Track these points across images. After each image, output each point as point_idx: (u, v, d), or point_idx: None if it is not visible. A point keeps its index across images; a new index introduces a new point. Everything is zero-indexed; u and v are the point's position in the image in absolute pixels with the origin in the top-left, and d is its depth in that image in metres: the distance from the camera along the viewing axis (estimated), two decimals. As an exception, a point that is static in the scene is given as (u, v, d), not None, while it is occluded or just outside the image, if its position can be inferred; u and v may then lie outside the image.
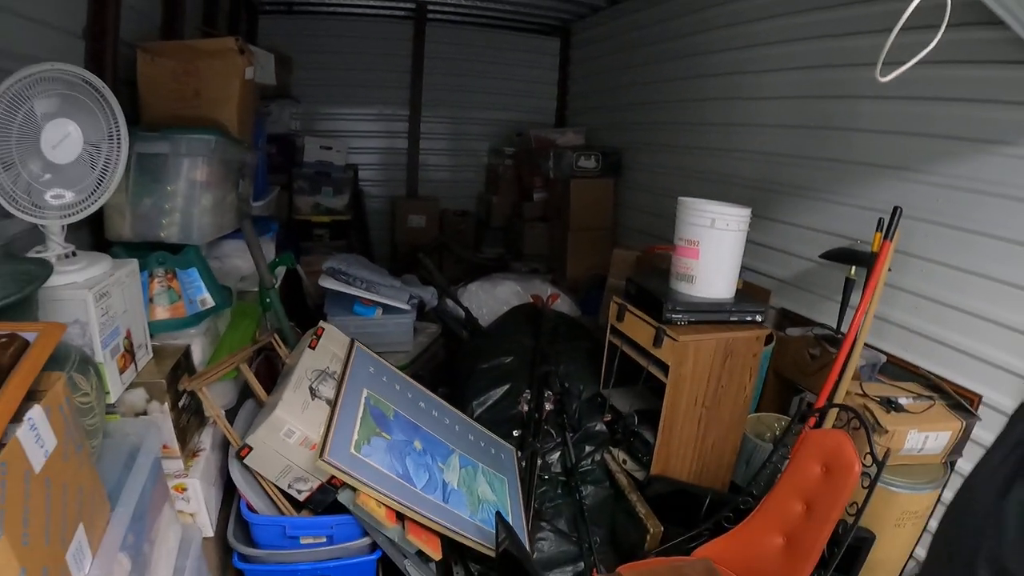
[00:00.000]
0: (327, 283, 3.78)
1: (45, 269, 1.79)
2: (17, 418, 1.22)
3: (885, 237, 2.85)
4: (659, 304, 2.97)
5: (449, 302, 4.61)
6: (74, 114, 1.96)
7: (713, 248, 3.01)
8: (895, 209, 2.82)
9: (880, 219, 2.90)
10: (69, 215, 1.99)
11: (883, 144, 3.28)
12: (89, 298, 1.87)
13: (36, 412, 1.26)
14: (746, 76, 4.27)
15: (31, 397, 1.28)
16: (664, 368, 2.96)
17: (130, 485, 1.70)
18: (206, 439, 2.47)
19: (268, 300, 3.07)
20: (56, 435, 1.31)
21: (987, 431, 2.76)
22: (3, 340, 1.33)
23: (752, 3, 4.18)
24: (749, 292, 3.69)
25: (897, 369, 3.18)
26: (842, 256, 3.20)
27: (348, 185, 6.30)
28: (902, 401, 2.84)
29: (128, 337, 2.10)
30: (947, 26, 1.89)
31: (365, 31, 7.07)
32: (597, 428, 3.39)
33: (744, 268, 3.82)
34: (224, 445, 2.53)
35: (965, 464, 2.85)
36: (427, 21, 7.23)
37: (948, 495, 2.88)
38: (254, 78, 3.30)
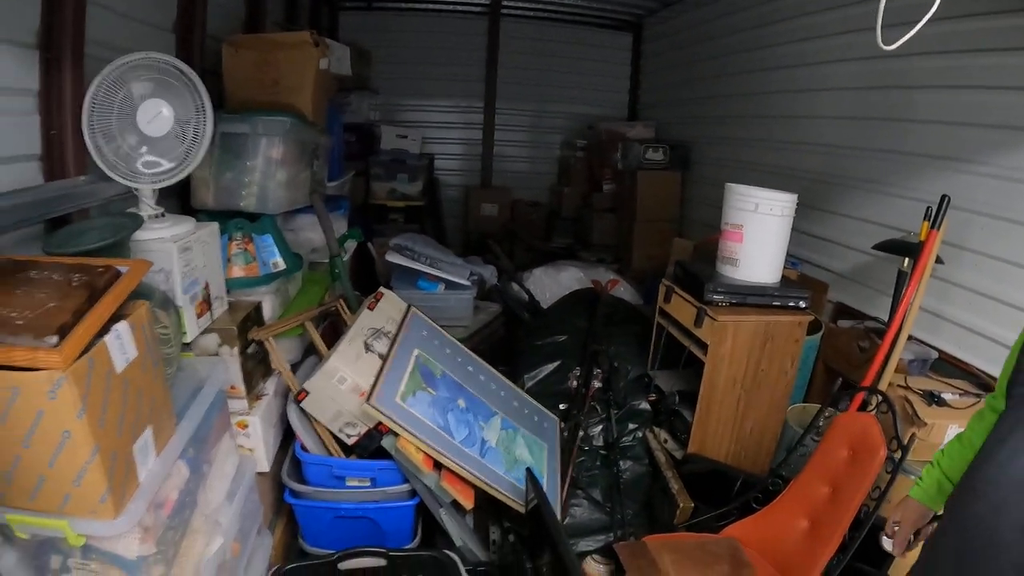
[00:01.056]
0: (393, 258, 4.00)
1: (136, 221, 2.08)
2: (108, 330, 1.50)
3: (932, 226, 2.79)
4: (701, 285, 3.10)
5: (514, 286, 4.82)
6: (165, 95, 2.25)
7: (757, 232, 3.12)
8: (942, 198, 2.76)
9: (928, 208, 2.84)
10: (159, 181, 2.28)
11: (939, 134, 3.25)
12: (173, 250, 2.15)
13: (122, 326, 1.54)
14: (807, 68, 4.31)
15: (120, 317, 1.56)
16: (704, 348, 3.08)
17: (195, 408, 1.97)
18: (270, 387, 2.72)
19: (336, 269, 3.33)
20: (137, 348, 1.59)
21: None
22: (100, 269, 1.61)
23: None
24: (805, 284, 3.73)
25: (950, 367, 3.13)
26: (894, 248, 3.11)
27: (423, 172, 6.55)
28: (946, 396, 2.84)
29: (206, 288, 2.37)
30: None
31: (441, 26, 7.29)
32: (641, 407, 3.55)
33: (802, 261, 3.91)
34: (285, 394, 2.79)
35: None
36: (501, 16, 7.41)
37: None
38: (328, 68, 3.55)
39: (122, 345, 1.54)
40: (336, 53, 4.03)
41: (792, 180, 4.11)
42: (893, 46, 1.68)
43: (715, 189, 5.05)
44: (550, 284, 4.99)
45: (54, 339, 1.34)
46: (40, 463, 1.44)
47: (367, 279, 4.56)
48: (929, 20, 1.72)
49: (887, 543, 1.89)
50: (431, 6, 7.20)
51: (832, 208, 3.97)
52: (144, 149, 2.25)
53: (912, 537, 1.83)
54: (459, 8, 7.31)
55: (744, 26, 5.22)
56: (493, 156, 7.79)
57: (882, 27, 1.66)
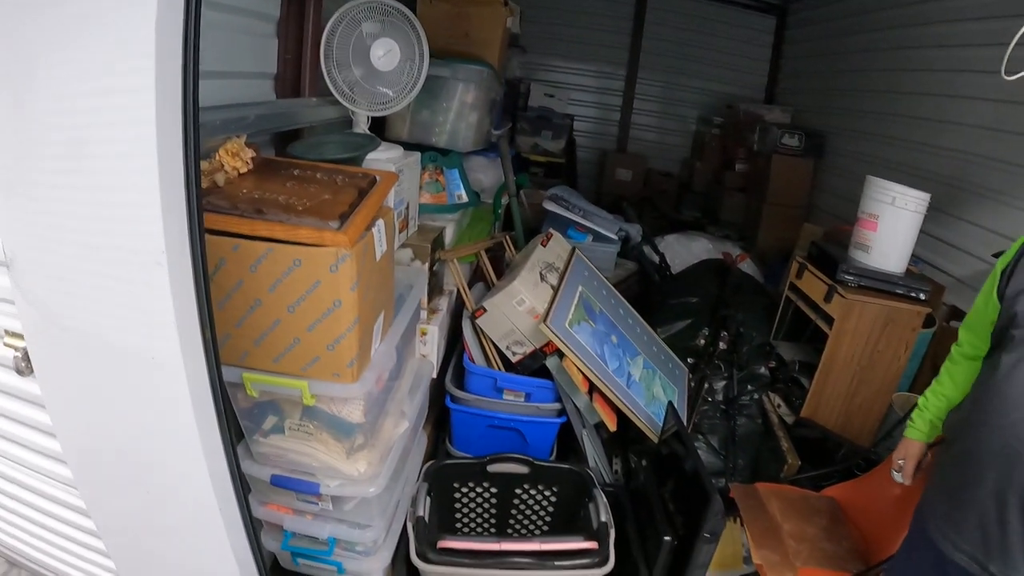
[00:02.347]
0: (550, 206, 4.26)
1: (374, 142, 2.42)
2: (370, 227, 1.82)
3: None
4: (835, 265, 3.33)
5: (646, 248, 5.06)
6: (390, 34, 2.58)
7: (890, 223, 3.30)
8: None
9: None
10: (379, 109, 2.61)
11: None
12: (393, 170, 2.46)
13: (381, 223, 1.88)
14: (952, 74, 4.34)
15: (378, 217, 1.89)
16: (830, 323, 3.32)
17: (406, 307, 2.30)
18: (443, 304, 3.04)
19: (500, 208, 3.64)
20: (387, 244, 1.91)
21: None
22: (361, 175, 1.95)
23: (970, 1, 4.21)
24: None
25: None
26: None
27: (565, 131, 6.77)
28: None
29: (407, 208, 2.70)
30: None
31: None
32: (761, 371, 3.77)
33: (922, 261, 4.03)
34: (455, 311, 3.12)
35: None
36: None
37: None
38: (511, 27, 3.84)
39: (380, 238, 1.86)
40: (515, 10, 4.31)
41: (923, 181, 4.07)
42: (1013, 77, 1.84)
43: (846, 181, 5.07)
44: (681, 251, 5.18)
45: (336, 223, 1.65)
46: (299, 327, 1.74)
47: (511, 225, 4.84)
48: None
49: (897, 476, 2.26)
50: None
51: (958, 214, 4.05)
52: (374, 81, 2.58)
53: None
54: None
55: (892, 24, 5.24)
56: (630, 124, 7.92)
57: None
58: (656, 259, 4.93)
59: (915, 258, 3.87)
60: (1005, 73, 1.86)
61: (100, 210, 1.30)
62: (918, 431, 2.19)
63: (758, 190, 6.50)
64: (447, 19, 3.51)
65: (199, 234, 1.33)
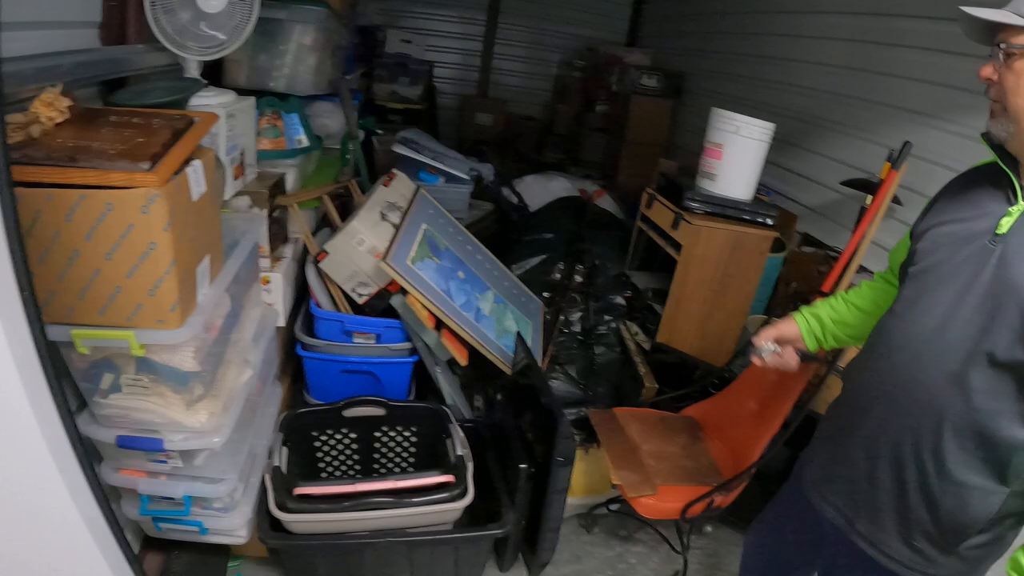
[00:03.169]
0: (399, 149, 4.20)
1: (198, 84, 2.35)
2: (184, 167, 1.78)
3: (893, 167, 2.95)
4: (681, 193, 3.44)
5: (505, 190, 5.09)
6: None
7: (735, 152, 3.43)
8: (904, 143, 2.91)
9: (891, 151, 3.00)
10: (208, 54, 2.52)
11: (915, 90, 3.44)
12: (222, 115, 2.39)
13: (197, 163, 1.83)
14: (801, 16, 4.52)
15: (194, 157, 1.85)
16: (679, 250, 3.42)
17: (236, 252, 2.24)
18: (288, 251, 2.98)
19: (349, 152, 3.60)
20: (206, 184, 1.87)
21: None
22: (178, 117, 1.90)
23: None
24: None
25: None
26: (859, 185, 3.34)
27: (423, 77, 6.73)
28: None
29: (242, 154, 2.63)
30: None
31: None
32: (617, 301, 3.89)
33: (774, 192, 4.20)
34: (300, 259, 3.08)
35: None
36: None
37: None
38: (355, -32, 3.76)
39: (197, 178, 1.82)
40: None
41: (776, 116, 4.17)
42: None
43: (703, 119, 5.18)
44: (539, 191, 5.22)
45: (147, 164, 1.61)
46: (119, 275, 1.69)
47: (368, 168, 4.80)
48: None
49: (754, 353, 2.09)
50: None
51: (808, 146, 4.22)
52: (202, 24, 2.48)
53: (775, 349, 2.06)
54: None
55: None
56: (491, 69, 7.96)
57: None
58: (515, 199, 4.97)
59: (767, 188, 4.03)
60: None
61: None
62: (804, 320, 2.08)
63: (618, 130, 6.63)
64: None
65: (7, 186, 1.27)
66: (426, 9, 7.61)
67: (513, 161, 6.80)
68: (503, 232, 4.62)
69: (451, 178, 4.32)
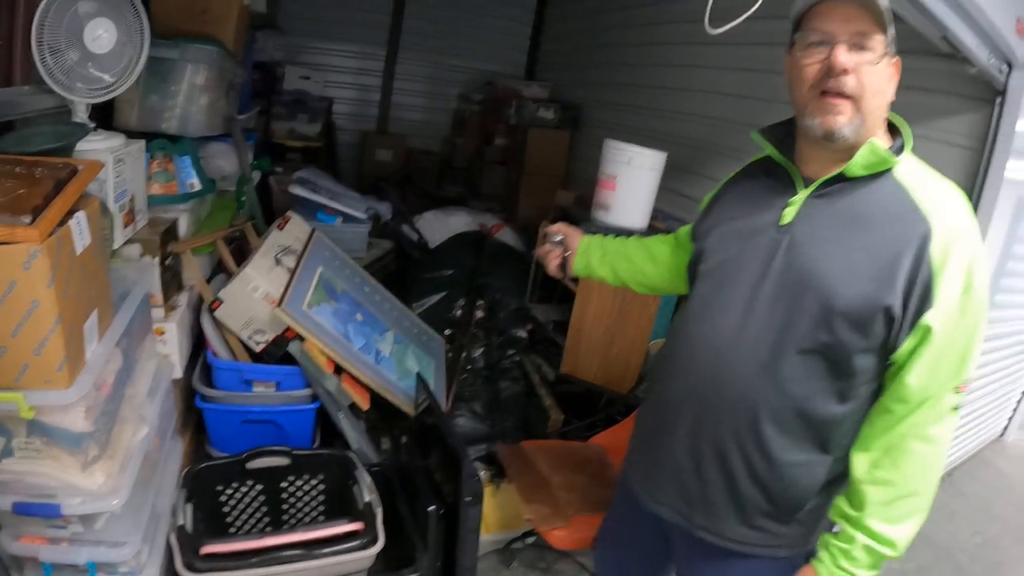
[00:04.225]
0: (296, 190, 4.20)
1: (84, 129, 2.30)
2: (70, 217, 1.74)
3: None
4: (577, 225, 3.47)
5: (405, 227, 5.10)
6: (109, 14, 2.42)
7: (629, 183, 3.53)
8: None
9: None
10: (96, 96, 2.47)
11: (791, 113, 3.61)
12: (110, 160, 2.35)
13: (81, 215, 1.79)
14: (688, 47, 4.68)
15: (77, 208, 1.81)
16: (576, 282, 3.48)
17: (127, 305, 2.20)
18: (182, 300, 2.92)
19: (244, 195, 3.56)
20: (91, 236, 1.84)
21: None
22: (61, 165, 1.86)
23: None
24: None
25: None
26: None
27: (322, 114, 6.66)
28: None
29: (132, 200, 2.58)
30: None
31: None
32: (519, 334, 3.93)
33: (673, 218, 4.29)
34: (196, 307, 3.01)
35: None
36: None
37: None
38: (251, 4, 3.75)
39: (81, 231, 1.78)
40: (257, -9, 4.21)
41: (672, 144, 4.32)
42: (718, 31, 1.96)
43: (599, 149, 5.42)
44: (439, 227, 5.24)
45: (28, 218, 1.57)
46: (3, 334, 1.64)
47: (266, 212, 4.75)
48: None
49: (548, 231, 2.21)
50: None
51: (705, 172, 4.32)
52: (90, 65, 2.43)
53: (560, 240, 2.18)
54: None
55: (640, 2, 5.58)
56: (391, 104, 7.94)
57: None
58: (415, 236, 4.98)
59: (664, 215, 4.13)
60: (711, 29, 1.93)
61: None
62: (589, 237, 2.21)
63: (517, 162, 6.70)
64: None
65: None
66: (325, 44, 7.54)
67: (414, 196, 6.81)
68: (404, 270, 4.65)
69: (349, 218, 4.32)
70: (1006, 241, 3.37)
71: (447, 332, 3.89)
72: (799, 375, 1.47)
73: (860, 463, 1.51)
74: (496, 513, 3.03)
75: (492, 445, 3.31)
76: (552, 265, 2.16)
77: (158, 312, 2.69)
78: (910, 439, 1.45)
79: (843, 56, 1.41)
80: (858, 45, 1.42)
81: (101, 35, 2.41)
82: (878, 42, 1.42)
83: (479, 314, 3.97)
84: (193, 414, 3.02)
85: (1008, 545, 4.34)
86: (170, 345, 2.74)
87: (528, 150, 6.48)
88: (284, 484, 2.75)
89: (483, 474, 3.07)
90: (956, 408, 1.47)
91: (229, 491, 2.68)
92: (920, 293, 1.40)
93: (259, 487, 2.71)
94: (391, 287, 3.81)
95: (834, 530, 1.57)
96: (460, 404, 3.52)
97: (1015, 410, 6.48)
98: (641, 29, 5.61)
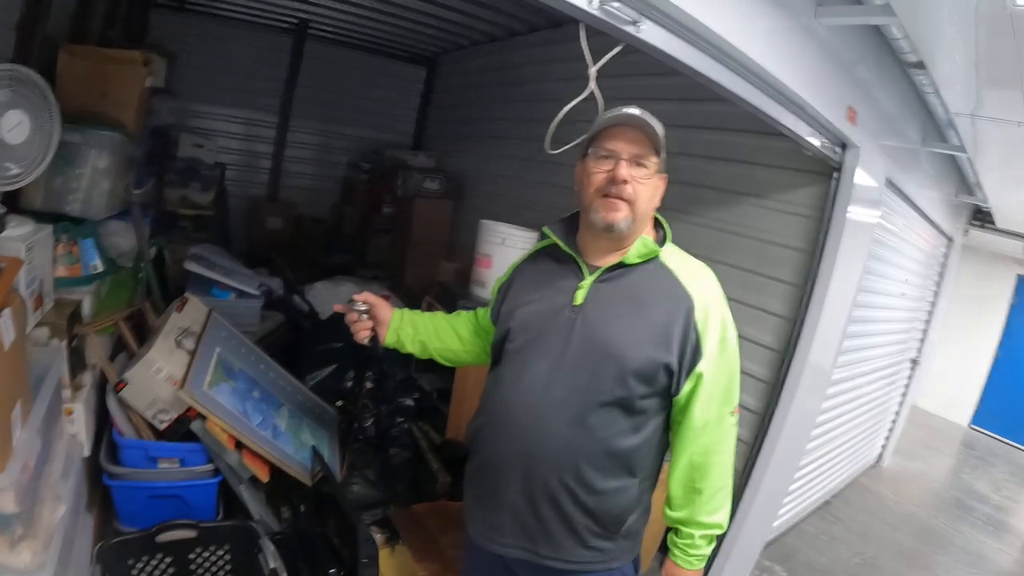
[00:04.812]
0: (192, 266, 4.33)
1: (2, 223, 2.38)
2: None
3: None
4: (455, 300, 3.79)
5: (296, 298, 5.26)
6: (22, 104, 2.53)
7: (502, 261, 3.78)
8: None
9: None
10: (10, 184, 2.58)
11: (670, 190, 3.92)
12: (23, 249, 2.44)
13: (7, 312, 1.93)
14: (574, 124, 4.97)
15: (4, 305, 1.94)
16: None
17: (43, 390, 2.32)
18: (87, 379, 3.00)
19: (143, 273, 3.69)
20: (16, 331, 1.98)
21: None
22: (-14, 266, 2.00)
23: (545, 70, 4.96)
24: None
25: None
26: None
27: (215, 183, 6.68)
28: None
29: (40, 285, 2.68)
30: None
31: (248, 38, 7.40)
32: (407, 403, 4.15)
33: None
34: (100, 386, 3.10)
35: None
36: (307, 36, 7.65)
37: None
38: (151, 84, 3.87)
39: (7, 327, 1.91)
40: (156, 68, 4.33)
41: (545, 214, 4.68)
42: (555, 151, 2.38)
43: (483, 218, 5.66)
44: (329, 297, 5.37)
45: (-42, 320, 1.73)
46: None
47: (160, 282, 4.80)
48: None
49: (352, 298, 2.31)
50: (241, 15, 7.27)
51: None
52: (2, 155, 2.50)
53: (362, 309, 2.29)
54: (270, 22, 7.46)
55: (521, 80, 5.94)
56: (282, 171, 8.03)
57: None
58: (305, 307, 5.14)
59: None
60: (549, 150, 2.29)
61: None
62: (400, 312, 2.38)
63: (403, 231, 6.93)
64: (86, 77, 3.43)
65: None
66: (218, 109, 7.58)
67: (304, 266, 6.86)
68: (296, 342, 4.76)
69: (242, 293, 4.47)
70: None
71: (339, 403, 4.07)
72: (603, 423, 1.83)
73: (678, 480, 1.97)
74: (392, 573, 3.18)
75: (386, 509, 3.49)
76: (361, 335, 2.31)
77: (66, 392, 2.77)
78: (710, 454, 1.92)
79: (624, 170, 1.85)
80: (636, 163, 1.87)
81: (15, 126, 2.52)
82: (652, 162, 1.88)
83: (368, 384, 4.16)
84: (99, 491, 3.09)
85: (885, 562, 4.84)
86: (78, 424, 2.82)
87: (414, 220, 6.73)
88: (192, 556, 2.87)
89: (378, 537, 3.18)
90: (735, 425, 1.98)
91: (140, 564, 2.77)
92: (691, 350, 1.85)
93: (168, 559, 2.82)
94: (284, 359, 3.97)
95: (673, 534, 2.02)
96: (354, 472, 3.68)
97: (887, 437, 7.05)
98: (513, 105, 5.99)
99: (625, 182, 1.85)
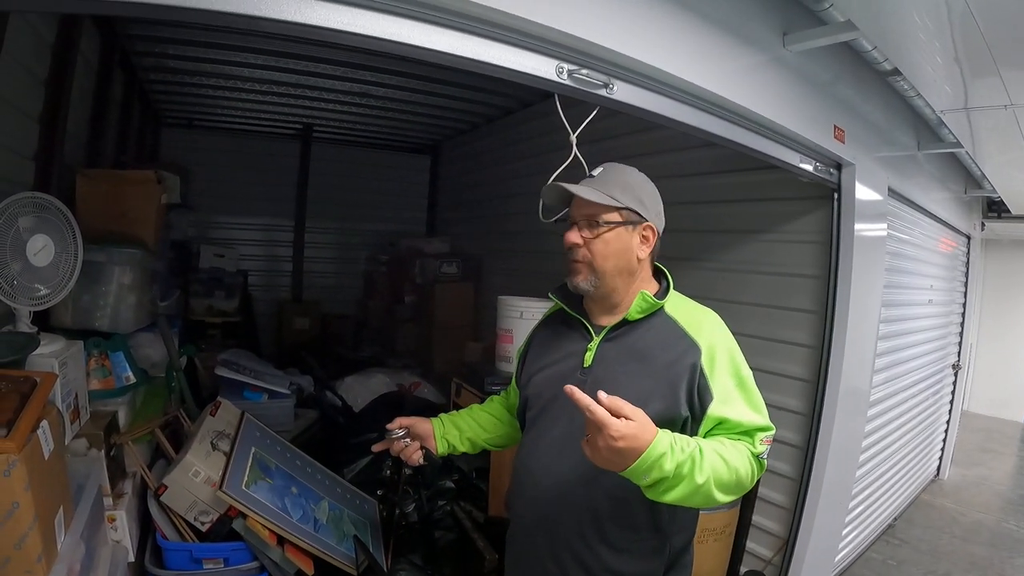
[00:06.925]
0: (222, 372, 4.40)
1: (34, 341, 2.48)
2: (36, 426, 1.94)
3: None
4: (483, 380, 3.80)
5: (328, 393, 5.30)
6: (45, 228, 2.67)
7: (522, 335, 3.73)
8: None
9: None
10: (39, 304, 2.69)
11: (682, 240, 4.00)
12: (56, 365, 2.53)
13: (45, 424, 1.99)
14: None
15: (42, 417, 2.00)
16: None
17: (85, 497, 2.36)
18: (128, 487, 3.05)
19: (175, 382, 3.75)
20: (54, 442, 2.03)
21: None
22: (22, 379, 2.07)
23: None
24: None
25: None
26: None
27: (238, 290, 6.87)
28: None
29: (76, 399, 2.76)
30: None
31: (257, 147, 7.68)
32: (447, 485, 4.12)
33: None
34: (141, 492, 3.14)
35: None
36: (313, 139, 7.89)
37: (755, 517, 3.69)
38: (167, 200, 4.01)
39: (46, 438, 1.97)
40: (170, 185, 4.47)
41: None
42: (550, 220, 2.30)
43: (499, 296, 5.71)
44: (361, 390, 5.47)
45: (3, 431, 1.78)
46: None
47: (193, 389, 4.88)
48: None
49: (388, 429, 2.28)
50: (248, 127, 7.52)
51: None
52: (30, 276, 2.62)
53: (402, 436, 2.26)
54: (275, 130, 7.70)
55: (524, 155, 6.06)
56: (304, 272, 8.19)
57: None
58: (338, 402, 5.18)
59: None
60: (544, 219, 2.33)
61: None
62: (438, 419, 2.36)
63: (427, 318, 6.98)
64: (104, 199, 3.57)
65: None
66: (235, 219, 7.81)
67: (333, 362, 6.93)
68: (331, 437, 4.79)
69: (274, 394, 4.51)
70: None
71: (379, 492, 4.05)
72: (618, 480, 1.72)
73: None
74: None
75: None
76: (414, 459, 2.30)
77: (107, 500, 2.81)
78: (741, 454, 1.77)
79: (571, 235, 1.95)
80: (590, 224, 1.93)
81: (41, 249, 2.65)
82: (607, 219, 1.91)
83: (407, 471, 4.15)
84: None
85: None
86: (121, 531, 2.85)
87: (435, 305, 6.79)
88: (245, 653, 2.86)
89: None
90: (764, 445, 1.83)
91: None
92: (700, 397, 1.83)
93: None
94: (321, 455, 3.98)
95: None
96: (399, 559, 3.65)
97: (942, 448, 6.85)
98: (518, 180, 6.12)
99: (575, 246, 1.94)
